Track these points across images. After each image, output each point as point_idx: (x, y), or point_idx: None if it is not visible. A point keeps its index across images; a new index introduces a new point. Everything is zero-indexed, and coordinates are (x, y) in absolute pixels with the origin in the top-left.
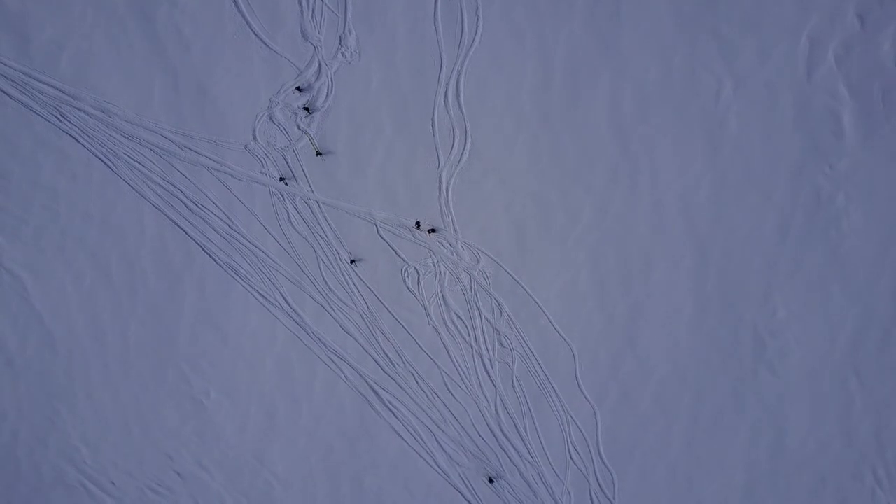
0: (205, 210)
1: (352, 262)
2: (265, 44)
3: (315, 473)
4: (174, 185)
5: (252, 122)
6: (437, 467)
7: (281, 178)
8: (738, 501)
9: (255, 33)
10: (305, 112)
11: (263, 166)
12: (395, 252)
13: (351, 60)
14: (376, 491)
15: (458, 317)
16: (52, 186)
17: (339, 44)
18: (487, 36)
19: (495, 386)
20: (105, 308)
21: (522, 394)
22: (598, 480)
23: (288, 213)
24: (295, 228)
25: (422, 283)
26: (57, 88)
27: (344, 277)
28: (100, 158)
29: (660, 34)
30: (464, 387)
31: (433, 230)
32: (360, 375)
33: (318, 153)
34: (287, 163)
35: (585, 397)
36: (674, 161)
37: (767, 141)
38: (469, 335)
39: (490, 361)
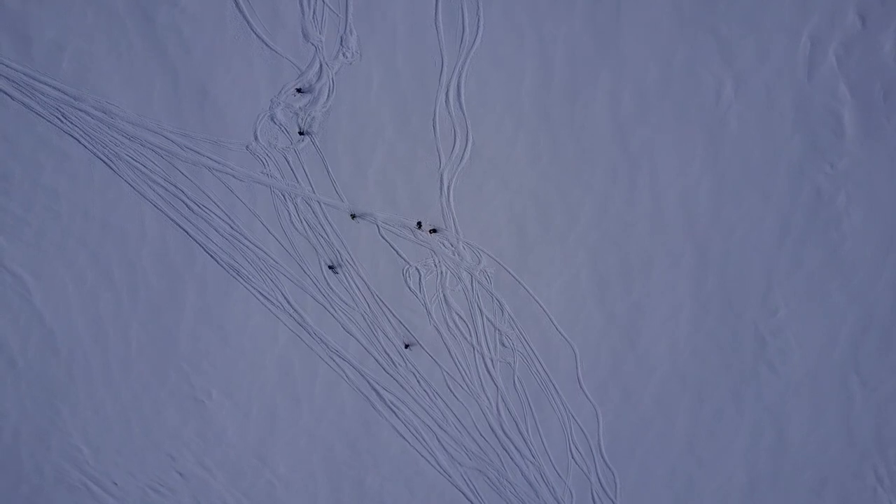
0: (206, 210)
1: (406, 346)
2: (266, 44)
3: (316, 473)
4: (175, 186)
5: (253, 123)
6: (438, 467)
7: (330, 267)
8: (739, 500)
9: (255, 34)
10: (300, 136)
11: (265, 167)
12: (397, 252)
13: (352, 61)
14: (378, 490)
15: (460, 317)
16: (53, 187)
17: (341, 44)
18: (488, 36)
19: (497, 385)
20: (106, 308)
21: (524, 393)
22: (599, 480)
23: (289, 214)
24: (296, 229)
25: (423, 283)
26: (58, 89)
27: (345, 278)
28: (101, 159)
29: (660, 34)
30: (465, 386)
31: (434, 230)
32: (362, 375)
33: (353, 216)
34: (288, 163)
35: (587, 397)
36: (674, 160)
37: (768, 140)
38: (470, 335)
39: (492, 361)
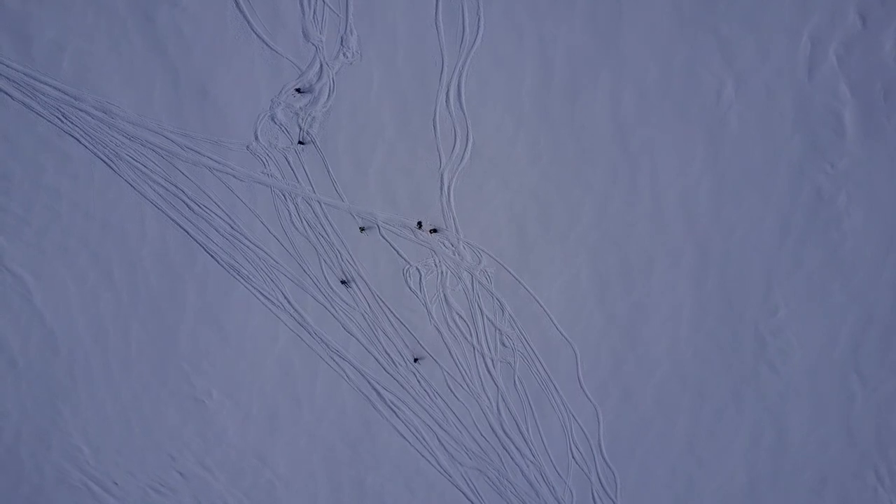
0: (206, 210)
1: (415, 360)
2: (266, 44)
3: (317, 473)
4: (176, 186)
5: (254, 123)
6: (439, 467)
7: (343, 282)
8: (740, 500)
9: (256, 34)
10: (301, 146)
11: (265, 166)
12: (397, 252)
13: (352, 61)
14: (378, 490)
15: (460, 316)
16: (53, 187)
17: (341, 44)
18: (488, 36)
19: (497, 385)
20: (107, 308)
21: (524, 393)
22: (600, 480)
23: (290, 214)
24: (297, 229)
25: (423, 283)
26: (58, 89)
27: (346, 277)
28: (101, 159)
29: (660, 34)
30: (466, 386)
31: (435, 230)
32: (362, 375)
33: (362, 229)
34: (289, 163)
35: (587, 397)
36: (674, 160)
37: (768, 140)
38: (471, 335)
39: (492, 361)
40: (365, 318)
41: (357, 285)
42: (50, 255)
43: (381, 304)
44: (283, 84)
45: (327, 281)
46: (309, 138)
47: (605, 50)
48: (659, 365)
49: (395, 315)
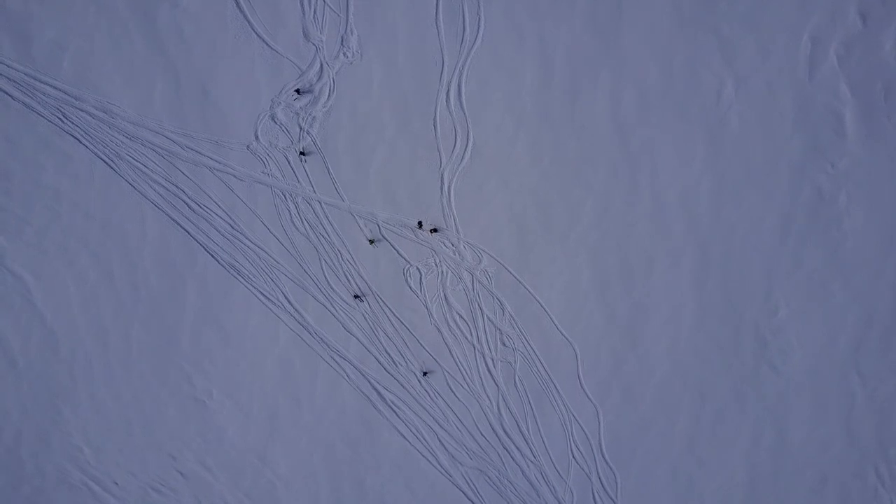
0: (207, 210)
1: (424, 374)
2: (267, 44)
3: (317, 473)
4: (176, 186)
5: (254, 123)
6: (439, 467)
7: (356, 296)
8: (740, 500)
9: (256, 33)
10: (302, 156)
11: (266, 166)
12: (398, 252)
13: (353, 60)
14: (378, 490)
15: (461, 316)
16: (54, 187)
17: (341, 44)
18: (489, 36)
19: (498, 385)
20: (107, 308)
21: (525, 393)
22: (600, 479)
23: (290, 214)
24: (297, 229)
25: (424, 282)
26: (59, 89)
27: (346, 277)
28: (102, 159)
29: (660, 34)
30: (466, 386)
31: (435, 230)
32: (363, 375)
33: (371, 241)
34: (289, 162)
35: (588, 396)
36: (674, 160)
37: (769, 140)
38: (471, 335)
39: (492, 361)
40: (365, 318)
41: (357, 286)
42: (50, 255)
43: (382, 303)
44: (284, 84)
45: (328, 281)
46: (310, 138)
47: (605, 50)
48: (659, 365)
49: (395, 315)
